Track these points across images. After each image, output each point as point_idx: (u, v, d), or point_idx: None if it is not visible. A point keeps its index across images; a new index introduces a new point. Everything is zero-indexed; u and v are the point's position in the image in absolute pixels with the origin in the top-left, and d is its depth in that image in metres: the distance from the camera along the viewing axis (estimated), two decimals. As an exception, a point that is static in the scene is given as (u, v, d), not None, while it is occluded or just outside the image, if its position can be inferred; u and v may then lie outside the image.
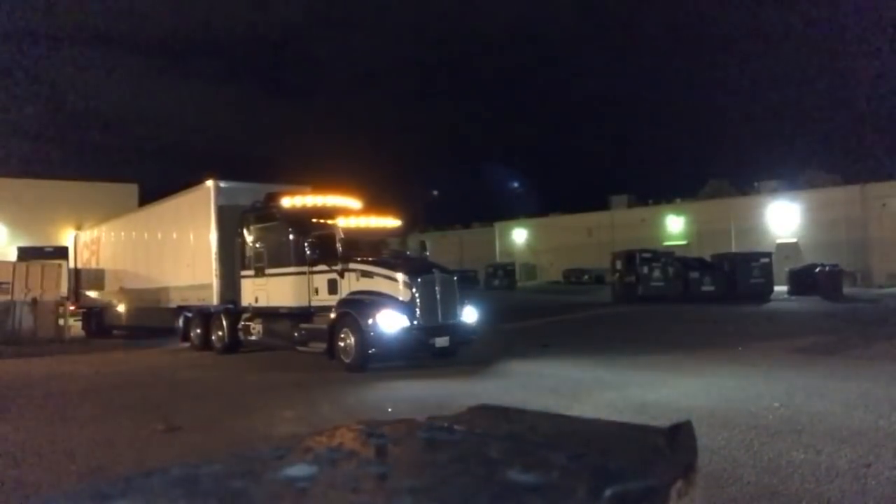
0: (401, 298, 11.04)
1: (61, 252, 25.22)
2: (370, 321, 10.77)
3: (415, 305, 11.00)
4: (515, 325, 19.32)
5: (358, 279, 11.58)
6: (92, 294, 21.61)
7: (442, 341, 11.23)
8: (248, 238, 13.59)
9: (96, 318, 21.38)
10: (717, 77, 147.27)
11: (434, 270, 11.72)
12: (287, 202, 13.09)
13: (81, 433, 6.85)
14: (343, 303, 11.51)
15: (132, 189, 37.42)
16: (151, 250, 17.97)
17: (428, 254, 13.99)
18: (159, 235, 17.59)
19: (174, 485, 0.85)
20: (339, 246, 11.89)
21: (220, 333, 14.62)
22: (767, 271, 29.92)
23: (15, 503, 4.71)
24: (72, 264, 23.24)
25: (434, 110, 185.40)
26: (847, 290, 31.39)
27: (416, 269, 11.65)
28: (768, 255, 31.43)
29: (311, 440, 1.06)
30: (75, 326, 21.47)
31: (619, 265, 30.82)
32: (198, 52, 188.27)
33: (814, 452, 5.40)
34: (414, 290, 11.04)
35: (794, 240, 48.55)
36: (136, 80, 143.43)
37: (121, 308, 19.68)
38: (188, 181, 15.28)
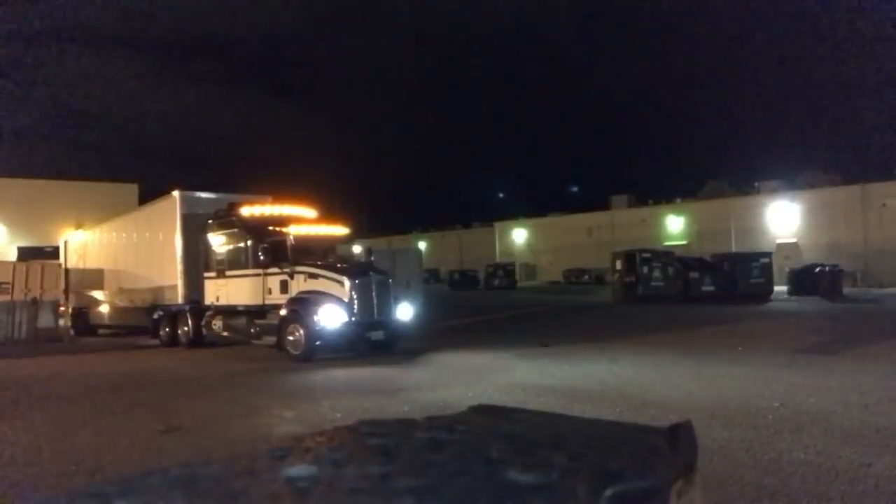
0: (342, 298, 12.35)
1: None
2: (315, 317, 12.14)
3: (353, 304, 12.34)
4: (512, 315, 19.28)
5: (306, 280, 12.96)
6: (81, 294, 21.88)
7: (377, 335, 12.77)
8: (211, 243, 14.94)
9: (83, 317, 21.72)
10: (717, 77, 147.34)
11: (371, 273, 13.10)
12: (246, 211, 14.40)
13: (81, 433, 6.85)
14: (292, 301, 12.80)
15: (132, 189, 37.41)
16: (129, 254, 19.36)
17: (373, 258, 15.52)
18: (135, 240, 19.08)
19: (174, 485, 0.85)
20: (289, 251, 13.24)
21: (185, 329, 15.78)
22: (767, 271, 29.94)
23: (15, 503, 4.70)
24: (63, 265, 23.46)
25: (434, 110, 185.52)
26: (847, 290, 31.40)
27: (355, 271, 13.04)
28: (768, 255, 31.46)
29: (311, 440, 1.06)
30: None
31: (619, 265, 30.82)
32: (198, 53, 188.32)
33: (814, 452, 5.39)
34: (353, 290, 12.40)
35: (794, 240, 48.57)
36: (136, 80, 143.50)
37: (103, 308, 20.70)
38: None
